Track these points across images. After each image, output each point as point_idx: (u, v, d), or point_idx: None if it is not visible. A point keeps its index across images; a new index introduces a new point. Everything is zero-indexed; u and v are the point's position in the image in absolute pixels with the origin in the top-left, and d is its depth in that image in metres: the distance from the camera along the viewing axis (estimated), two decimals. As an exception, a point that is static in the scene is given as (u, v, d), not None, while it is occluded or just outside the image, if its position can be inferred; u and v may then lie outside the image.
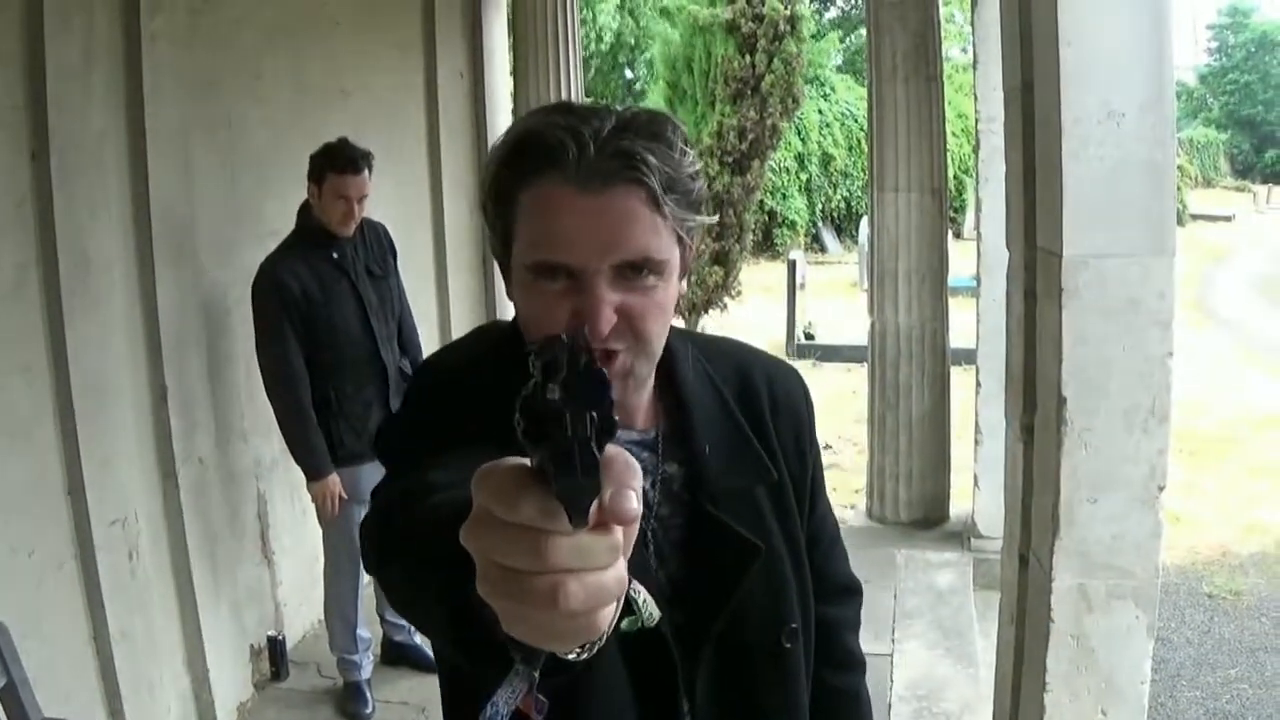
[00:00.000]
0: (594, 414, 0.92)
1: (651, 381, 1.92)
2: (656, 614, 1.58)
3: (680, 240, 1.76)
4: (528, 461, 0.95)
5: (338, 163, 5.61)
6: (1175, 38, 3.64)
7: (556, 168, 1.66)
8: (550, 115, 1.72)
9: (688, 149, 1.74)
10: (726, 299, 16.67)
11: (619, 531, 0.96)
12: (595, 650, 1.13)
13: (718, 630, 1.91)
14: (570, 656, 1.12)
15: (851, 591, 2.39)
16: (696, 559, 1.93)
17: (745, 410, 2.05)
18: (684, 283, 1.85)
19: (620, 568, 0.98)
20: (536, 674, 1.15)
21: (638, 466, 0.98)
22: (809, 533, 2.13)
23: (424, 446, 1.69)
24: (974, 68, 8.32)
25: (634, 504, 0.96)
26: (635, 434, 1.93)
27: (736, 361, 2.13)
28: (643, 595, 1.54)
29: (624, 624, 1.54)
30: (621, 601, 1.06)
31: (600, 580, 0.96)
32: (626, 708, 1.80)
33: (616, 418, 0.95)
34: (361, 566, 5.83)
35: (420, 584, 1.37)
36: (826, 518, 2.27)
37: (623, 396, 1.80)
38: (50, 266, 4.83)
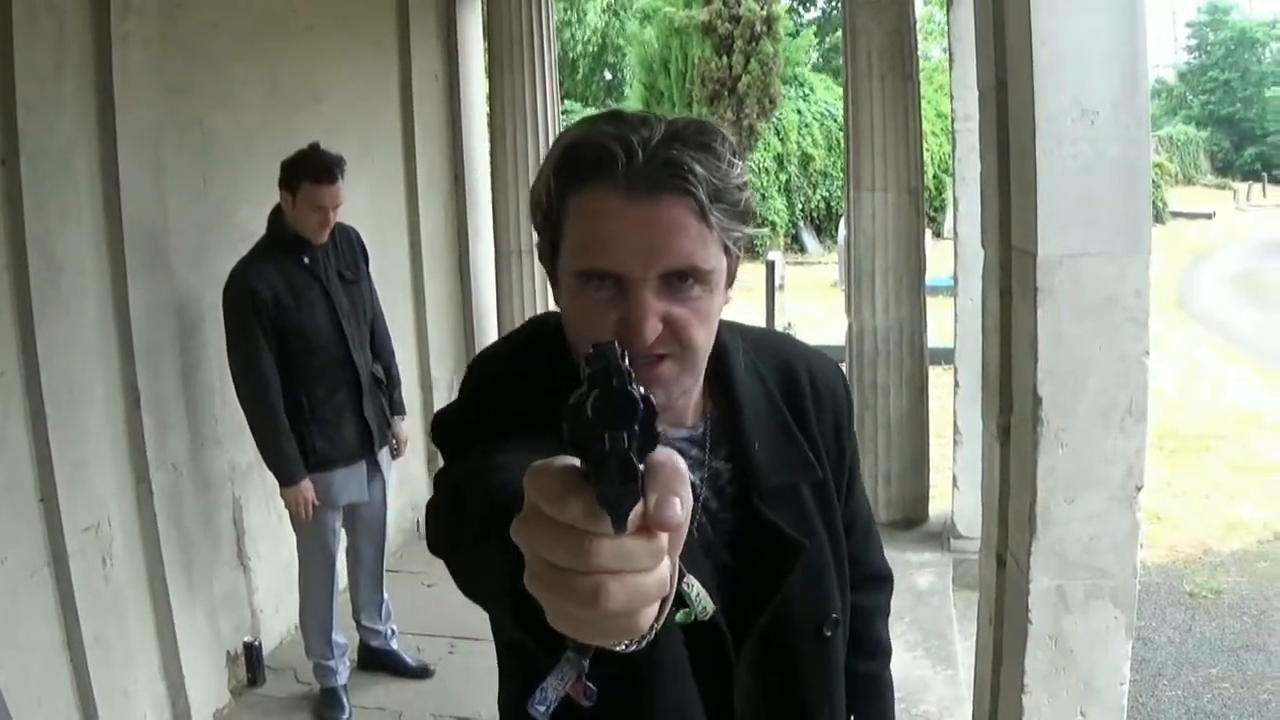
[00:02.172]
0: (634, 428, 0.97)
1: (698, 385, 1.94)
2: (710, 607, 1.65)
3: (727, 250, 1.78)
4: (578, 462, 0.99)
5: (313, 172, 5.56)
6: (1149, 35, 3.64)
7: (605, 176, 1.68)
8: (599, 124, 1.74)
9: (735, 160, 1.76)
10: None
11: (663, 536, 1.00)
12: (644, 644, 1.15)
13: (763, 623, 1.96)
14: (619, 649, 1.15)
15: (882, 579, 2.48)
16: (743, 553, 1.97)
17: (790, 404, 2.10)
18: (729, 291, 1.86)
19: (663, 571, 1.02)
20: (585, 663, 1.20)
21: (686, 473, 1.02)
22: (844, 521, 2.18)
23: (479, 437, 1.74)
24: (950, 66, 8.31)
25: (677, 511, 0.98)
26: (684, 430, 1.98)
27: (780, 355, 2.17)
28: (696, 589, 1.61)
29: (678, 616, 1.64)
30: (672, 597, 1.11)
31: (641, 582, 1.00)
32: (689, 694, 1.83)
33: (660, 430, 1.00)
34: (335, 572, 5.83)
35: (484, 567, 1.43)
36: (861, 506, 2.34)
37: (669, 401, 1.83)
38: (20, 271, 4.80)
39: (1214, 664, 7.35)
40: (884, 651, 2.48)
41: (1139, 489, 3.77)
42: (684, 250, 1.69)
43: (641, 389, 0.99)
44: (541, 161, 1.85)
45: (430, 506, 1.74)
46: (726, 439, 2.01)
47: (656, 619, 1.08)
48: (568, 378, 1.09)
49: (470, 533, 1.49)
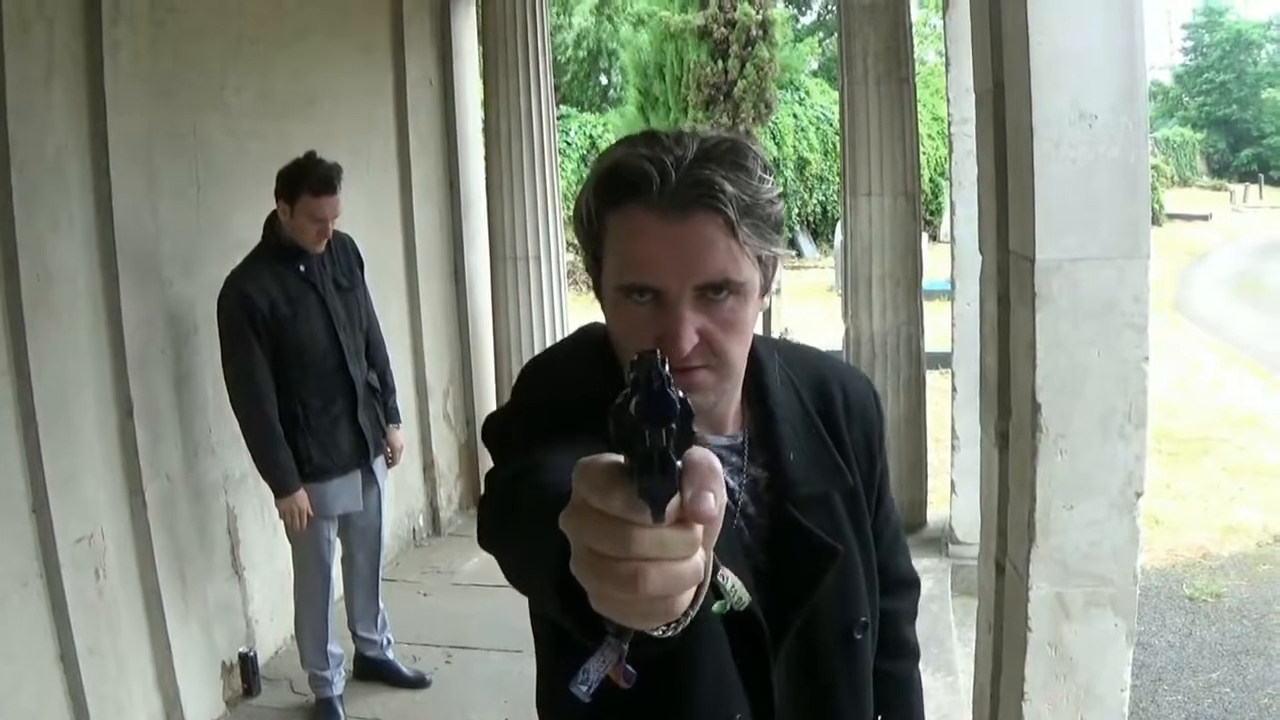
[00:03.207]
0: (671, 426, 1.05)
1: (739, 390, 2.06)
2: (746, 598, 1.65)
3: (760, 261, 1.87)
4: (622, 459, 1.07)
5: (313, 184, 5.53)
6: (1147, 37, 3.61)
7: (640, 196, 1.79)
8: (636, 146, 1.84)
9: (766, 175, 1.85)
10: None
11: (698, 528, 1.07)
12: (680, 629, 1.25)
13: (797, 624, 2.06)
14: (656, 633, 1.24)
15: (909, 585, 2.60)
16: (780, 557, 2.08)
17: (823, 416, 2.20)
18: (765, 299, 1.96)
19: (697, 560, 1.09)
20: (626, 646, 1.27)
21: (719, 470, 1.09)
22: (875, 529, 2.28)
23: (529, 439, 1.85)
24: (946, 70, 8.30)
25: (710, 505, 1.06)
26: (724, 439, 2.09)
27: (814, 369, 2.27)
28: (731, 580, 1.61)
29: (714, 607, 1.63)
30: (707, 587, 1.21)
31: (678, 570, 1.07)
32: (728, 686, 2.00)
33: (695, 430, 1.08)
34: (330, 581, 5.81)
35: (532, 556, 1.50)
36: (890, 515, 2.43)
37: (708, 408, 1.96)
38: (12, 280, 4.78)
39: (1214, 668, 7.33)
40: (911, 653, 2.59)
41: (1139, 495, 3.75)
42: (716, 265, 1.79)
43: (680, 392, 1.07)
44: (584, 179, 1.94)
45: (483, 502, 1.86)
46: (764, 448, 2.11)
47: (691, 606, 1.17)
48: (613, 384, 1.17)
49: (522, 526, 1.59)
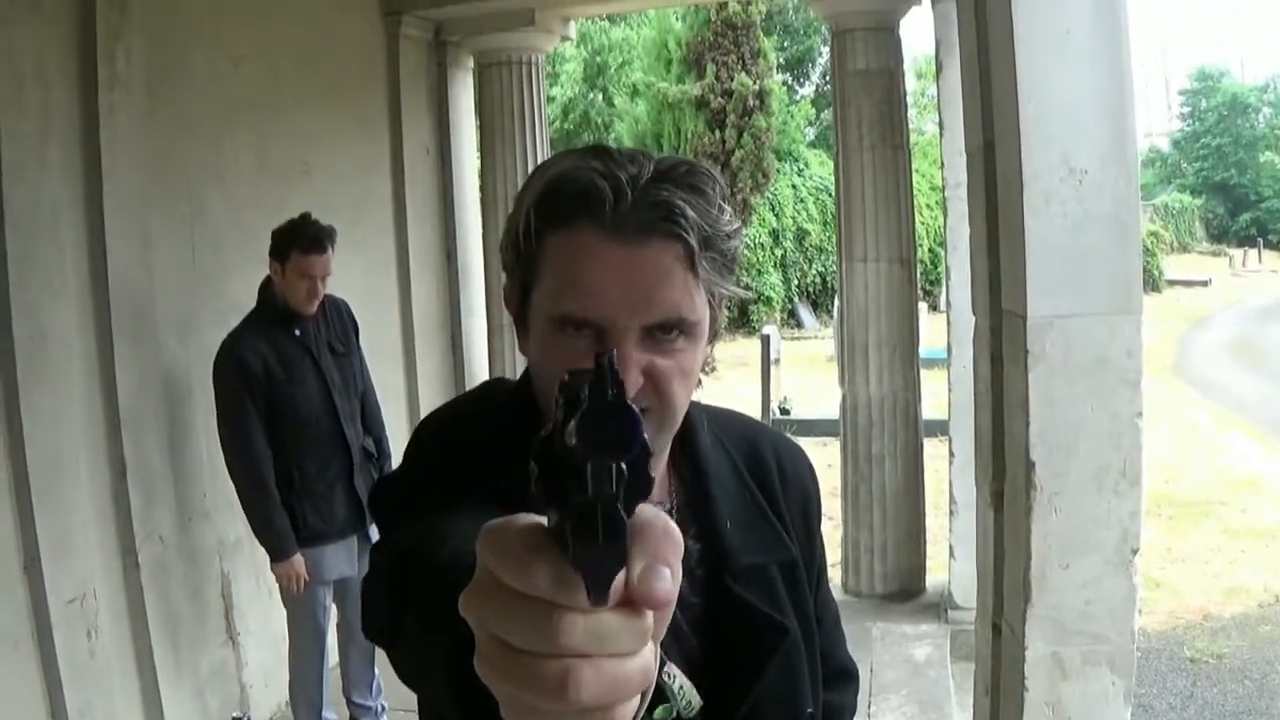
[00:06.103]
0: (622, 465, 0.79)
1: (667, 451, 1.81)
2: (696, 701, 1.48)
3: (711, 300, 1.66)
4: (544, 520, 0.84)
5: (303, 242, 5.53)
6: (1143, 102, 3.63)
7: (590, 215, 1.56)
8: (585, 159, 1.60)
9: (725, 205, 1.63)
10: (701, 374, 16.74)
11: (648, 614, 0.84)
12: None
13: (742, 716, 1.76)
14: None
15: (849, 676, 2.28)
16: (717, 639, 1.80)
17: (758, 483, 1.96)
18: (710, 347, 1.75)
19: (646, 656, 0.85)
20: None
21: (679, 538, 0.86)
22: (815, 613, 2.02)
23: (424, 504, 1.57)
24: (940, 134, 8.32)
25: (668, 584, 0.83)
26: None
27: (745, 432, 2.05)
28: (678, 679, 1.44)
29: (657, 713, 1.47)
30: (651, 691, 0.92)
31: (621, 670, 0.83)
32: None
33: (653, 473, 0.85)
34: (325, 647, 5.75)
35: (426, 651, 1.26)
36: (829, 600, 2.18)
37: None
38: (5, 340, 4.80)
39: (1216, 731, 7.29)
40: None
41: (1135, 552, 3.73)
42: (671, 300, 1.58)
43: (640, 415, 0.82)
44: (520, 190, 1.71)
45: (367, 584, 1.58)
46: (695, 516, 1.85)
47: (635, 717, 0.89)
48: (528, 436, 0.87)
49: (415, 612, 1.34)
